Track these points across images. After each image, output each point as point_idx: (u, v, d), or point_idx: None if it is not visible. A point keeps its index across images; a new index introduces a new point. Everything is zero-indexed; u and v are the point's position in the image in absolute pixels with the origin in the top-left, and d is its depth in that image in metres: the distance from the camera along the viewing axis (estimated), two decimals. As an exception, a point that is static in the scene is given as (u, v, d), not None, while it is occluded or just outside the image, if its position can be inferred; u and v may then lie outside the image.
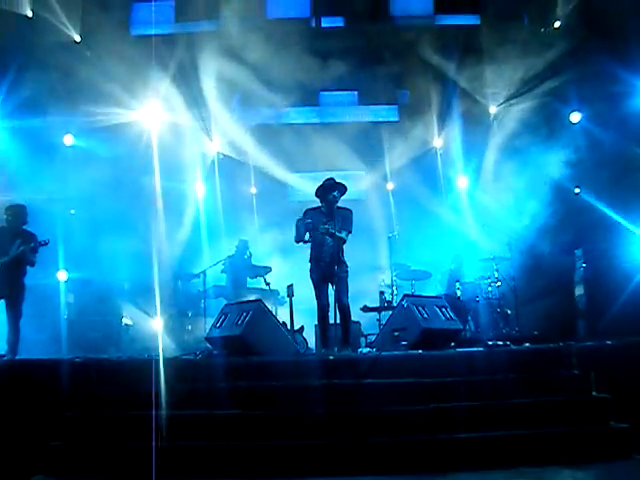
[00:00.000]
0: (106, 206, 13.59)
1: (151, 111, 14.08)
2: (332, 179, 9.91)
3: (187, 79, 14.02)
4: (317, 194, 9.92)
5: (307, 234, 9.67)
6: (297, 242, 9.78)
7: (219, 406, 7.49)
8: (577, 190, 13.86)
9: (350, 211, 9.90)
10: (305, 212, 9.92)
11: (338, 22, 16.20)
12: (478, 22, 15.57)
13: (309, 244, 9.75)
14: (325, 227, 9.48)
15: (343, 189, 9.90)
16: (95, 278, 13.09)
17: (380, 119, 16.01)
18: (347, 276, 9.67)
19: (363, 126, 15.52)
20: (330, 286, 9.64)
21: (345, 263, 9.72)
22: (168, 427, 7.04)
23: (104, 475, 6.81)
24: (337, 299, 9.58)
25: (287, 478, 6.62)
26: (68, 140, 14.16)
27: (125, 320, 13.02)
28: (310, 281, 9.77)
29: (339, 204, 9.82)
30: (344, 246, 9.70)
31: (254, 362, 8.59)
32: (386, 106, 16.24)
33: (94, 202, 13.84)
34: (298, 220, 9.84)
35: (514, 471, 6.63)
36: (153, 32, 13.84)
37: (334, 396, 7.59)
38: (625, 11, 12.67)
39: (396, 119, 16.14)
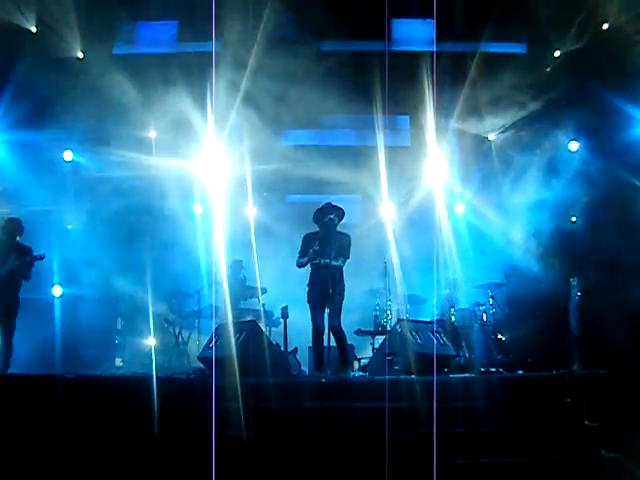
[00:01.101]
0: (104, 223, 13.61)
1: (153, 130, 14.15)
2: (329, 203, 9.96)
3: (194, 98, 14.00)
4: (314, 218, 9.97)
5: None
6: (299, 267, 9.85)
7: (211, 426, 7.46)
8: (574, 219, 13.92)
9: (349, 236, 9.97)
10: (304, 237, 9.98)
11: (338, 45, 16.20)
12: (479, 49, 15.61)
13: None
14: (315, 250, 9.54)
15: (341, 213, 9.95)
16: (90, 294, 13.04)
17: (381, 143, 15.99)
18: (342, 299, 9.72)
19: (362, 150, 15.52)
20: (326, 309, 9.68)
21: (343, 287, 9.77)
22: (160, 445, 7.02)
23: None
24: (330, 324, 9.62)
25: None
26: (67, 156, 14.16)
27: (117, 362, 12.95)
28: (306, 304, 9.82)
29: (338, 228, 9.89)
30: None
31: (249, 383, 8.55)
32: (385, 130, 16.25)
33: (92, 218, 13.85)
34: (302, 246, 9.91)
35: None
36: (156, 50, 13.93)
37: (326, 419, 7.58)
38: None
39: (395, 144, 16.13)
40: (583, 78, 13.52)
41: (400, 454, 7.17)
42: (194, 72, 13.37)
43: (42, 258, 10.16)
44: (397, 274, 13.22)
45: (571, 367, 10.81)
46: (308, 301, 9.84)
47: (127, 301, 13.39)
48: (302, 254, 9.94)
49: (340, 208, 10.02)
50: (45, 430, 7.40)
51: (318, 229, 9.98)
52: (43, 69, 12.97)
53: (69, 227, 14.15)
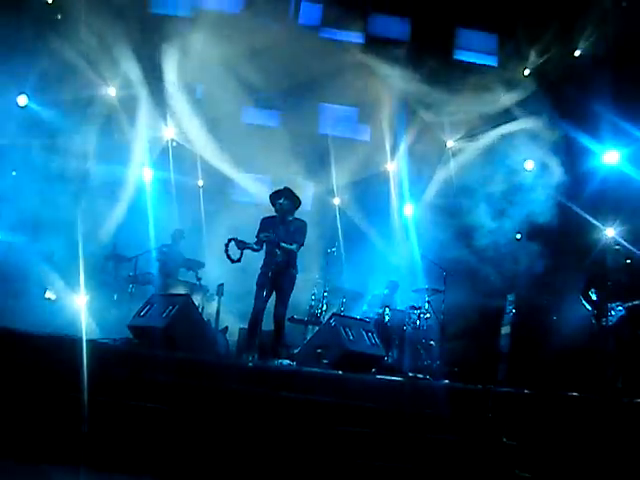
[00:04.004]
0: (49, 173, 13.29)
1: (110, 87, 13.89)
2: (287, 188, 9.92)
3: (151, 59, 13.79)
4: (270, 201, 9.98)
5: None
6: (254, 250, 9.76)
7: (133, 397, 7.31)
8: (518, 236, 14.09)
9: (304, 223, 9.93)
10: (261, 220, 9.91)
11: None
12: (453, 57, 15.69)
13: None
14: (266, 235, 9.48)
15: (291, 197, 9.88)
16: (24, 243, 12.72)
17: (340, 135, 15.93)
18: (291, 288, 9.70)
19: (320, 138, 15.46)
20: (270, 293, 9.63)
21: (293, 275, 9.76)
22: (81, 411, 6.88)
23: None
24: (275, 308, 9.58)
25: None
26: (21, 100, 13.75)
27: (48, 293, 12.67)
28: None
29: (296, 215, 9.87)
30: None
31: (175, 357, 8.44)
32: (346, 122, 16.19)
33: (37, 167, 13.51)
34: (258, 228, 9.82)
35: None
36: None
37: (247, 403, 7.52)
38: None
39: (354, 137, 16.10)
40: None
41: (315, 448, 7.16)
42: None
43: None
44: (340, 266, 13.26)
45: (495, 383, 10.93)
46: (256, 283, 9.76)
47: (62, 255, 13.08)
48: (257, 236, 9.82)
49: (295, 195, 9.96)
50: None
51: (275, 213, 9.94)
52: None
53: (13, 173, 13.75)
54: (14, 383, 7.26)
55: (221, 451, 6.94)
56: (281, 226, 9.77)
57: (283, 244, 9.63)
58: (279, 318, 9.70)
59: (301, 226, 9.94)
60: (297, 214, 10.12)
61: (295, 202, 10.01)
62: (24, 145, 13.36)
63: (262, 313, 9.60)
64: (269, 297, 9.69)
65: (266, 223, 9.89)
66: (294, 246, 9.75)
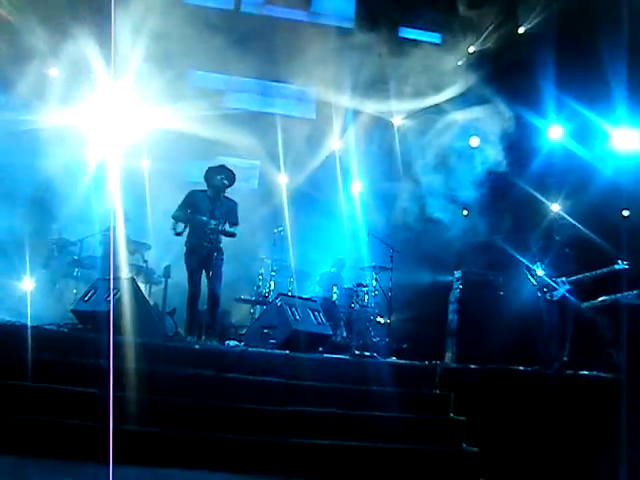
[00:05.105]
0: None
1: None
2: (223, 165, 9.81)
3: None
4: (206, 176, 9.79)
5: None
6: (176, 220, 9.62)
7: (77, 382, 7.25)
8: (465, 212, 14.21)
9: (236, 203, 9.86)
10: (190, 193, 9.77)
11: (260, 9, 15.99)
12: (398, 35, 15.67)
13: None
14: (215, 222, 9.38)
15: (232, 176, 9.79)
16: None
17: (286, 113, 15.83)
18: (222, 265, 9.60)
19: (267, 117, 15.34)
20: (204, 273, 9.55)
21: (222, 252, 9.64)
22: (22, 398, 6.78)
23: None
24: (211, 288, 9.50)
25: (122, 465, 6.36)
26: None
27: None
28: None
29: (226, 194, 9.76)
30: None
31: (119, 341, 8.33)
32: (292, 100, 16.10)
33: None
34: (186, 201, 9.68)
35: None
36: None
37: (196, 386, 7.48)
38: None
39: (300, 115, 16.00)
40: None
41: (269, 429, 7.20)
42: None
43: None
44: (287, 246, 13.21)
45: (444, 359, 11.03)
46: (187, 263, 9.67)
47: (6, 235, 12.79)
48: (182, 209, 9.70)
49: (232, 172, 9.85)
50: None
51: (206, 188, 9.79)
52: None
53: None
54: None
55: (175, 435, 6.92)
56: (214, 205, 9.65)
57: (228, 229, 9.57)
58: (216, 295, 9.62)
59: (234, 207, 9.86)
60: (241, 194, 10.06)
61: (233, 181, 9.90)
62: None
63: (199, 294, 9.65)
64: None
65: (196, 199, 9.72)
66: (234, 228, 9.69)
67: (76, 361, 7.64)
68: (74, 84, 13.50)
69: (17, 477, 5.94)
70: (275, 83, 15.81)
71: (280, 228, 12.91)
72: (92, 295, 9.60)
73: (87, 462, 6.36)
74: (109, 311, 8.94)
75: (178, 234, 9.57)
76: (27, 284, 11.88)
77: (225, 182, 9.71)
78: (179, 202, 9.82)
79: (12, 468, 6.07)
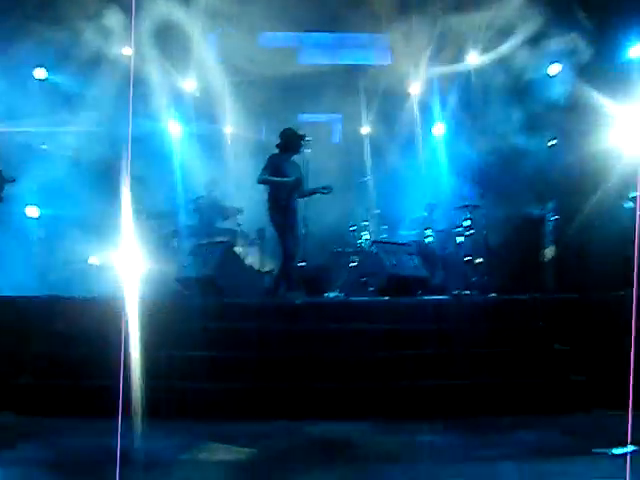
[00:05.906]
0: (79, 142, 13.37)
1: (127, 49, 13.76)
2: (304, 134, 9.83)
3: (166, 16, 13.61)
4: (295, 143, 9.76)
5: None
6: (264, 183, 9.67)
7: (190, 347, 7.50)
8: (553, 142, 13.89)
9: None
10: (272, 156, 9.70)
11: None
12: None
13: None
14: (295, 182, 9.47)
15: (307, 143, 9.90)
16: (66, 214, 12.87)
17: (360, 62, 15.73)
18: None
19: (341, 69, 15.28)
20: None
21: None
22: (139, 367, 7.04)
23: (72, 412, 6.79)
24: (295, 245, 9.67)
25: (248, 420, 6.64)
26: (40, 73, 13.68)
27: (92, 260, 12.81)
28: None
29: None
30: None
31: (223, 303, 8.59)
32: (366, 49, 15.97)
33: (67, 138, 13.56)
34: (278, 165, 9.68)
35: (473, 420, 6.71)
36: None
37: (299, 340, 7.66)
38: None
39: (374, 63, 15.86)
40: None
41: (376, 375, 7.30)
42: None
43: (13, 181, 10.09)
44: (375, 195, 13.23)
45: (544, 291, 10.92)
46: (277, 224, 9.66)
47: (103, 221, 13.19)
48: (266, 172, 9.58)
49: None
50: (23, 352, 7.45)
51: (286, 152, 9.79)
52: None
53: (44, 147, 13.79)
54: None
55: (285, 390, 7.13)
56: (294, 166, 9.75)
57: (308, 189, 9.77)
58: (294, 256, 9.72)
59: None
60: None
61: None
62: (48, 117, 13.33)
63: (293, 252, 9.65)
64: None
65: (279, 161, 9.67)
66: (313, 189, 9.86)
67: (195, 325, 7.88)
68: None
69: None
70: (346, 34, 15.71)
71: (365, 178, 12.93)
72: (192, 262, 9.89)
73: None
74: (209, 275, 9.24)
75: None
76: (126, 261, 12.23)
77: (303, 149, 9.77)
78: (262, 166, 9.87)
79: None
